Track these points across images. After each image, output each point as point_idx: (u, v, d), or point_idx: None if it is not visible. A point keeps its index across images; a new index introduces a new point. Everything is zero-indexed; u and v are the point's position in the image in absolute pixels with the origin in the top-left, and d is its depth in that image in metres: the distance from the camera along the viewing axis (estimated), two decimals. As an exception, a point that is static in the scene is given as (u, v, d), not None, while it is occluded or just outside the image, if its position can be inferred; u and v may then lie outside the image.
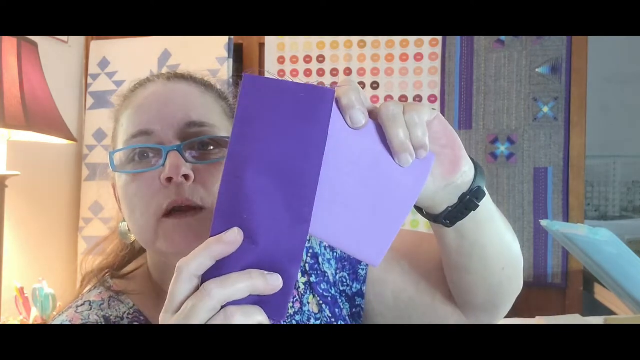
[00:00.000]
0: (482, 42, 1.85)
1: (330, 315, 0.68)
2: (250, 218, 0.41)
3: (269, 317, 0.42)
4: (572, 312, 1.71)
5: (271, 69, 1.98)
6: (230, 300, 0.40)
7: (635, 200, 2.52)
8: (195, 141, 0.59)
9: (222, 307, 0.40)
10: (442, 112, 1.87)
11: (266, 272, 0.41)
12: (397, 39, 1.89)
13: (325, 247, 0.71)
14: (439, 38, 1.87)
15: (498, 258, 0.58)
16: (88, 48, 2.06)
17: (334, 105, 0.43)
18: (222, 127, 0.62)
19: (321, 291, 0.69)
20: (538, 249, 1.83)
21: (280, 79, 0.42)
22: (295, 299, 0.68)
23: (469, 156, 0.51)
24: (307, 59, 1.96)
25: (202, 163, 0.59)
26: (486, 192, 0.52)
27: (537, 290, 1.81)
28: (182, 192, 0.57)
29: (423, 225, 1.84)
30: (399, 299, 0.67)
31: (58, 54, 1.95)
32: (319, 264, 0.70)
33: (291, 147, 0.41)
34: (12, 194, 1.49)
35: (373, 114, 0.46)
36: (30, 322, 1.56)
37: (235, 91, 0.69)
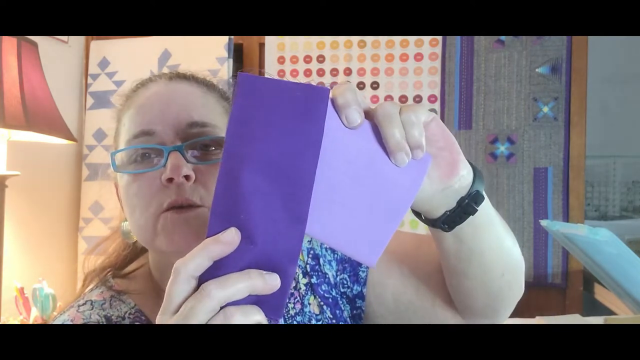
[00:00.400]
0: (482, 42, 1.85)
1: (331, 316, 0.68)
2: (247, 218, 0.41)
3: (266, 316, 0.42)
4: (572, 312, 1.71)
5: (271, 69, 1.98)
6: (230, 300, 0.40)
7: (635, 200, 2.52)
8: (196, 141, 0.60)
9: (221, 308, 0.40)
10: (442, 112, 1.87)
11: (264, 272, 0.41)
12: (397, 39, 1.89)
13: (326, 248, 0.71)
14: (439, 38, 1.87)
15: (497, 263, 0.58)
16: (88, 48, 2.06)
17: (330, 104, 0.43)
18: (224, 128, 0.62)
19: (322, 292, 0.69)
20: (538, 249, 1.83)
21: (275, 78, 0.42)
22: (296, 299, 0.68)
23: (468, 160, 0.51)
24: (307, 59, 1.96)
25: (203, 163, 0.59)
26: (485, 196, 0.52)
27: (537, 290, 1.81)
28: (183, 192, 0.57)
29: (423, 225, 1.84)
30: (399, 301, 0.67)
31: (58, 54, 1.95)
32: (319, 265, 0.70)
33: (287, 147, 0.41)
34: (12, 194, 1.49)
35: (370, 114, 0.46)
36: (30, 322, 1.56)
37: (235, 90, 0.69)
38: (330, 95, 0.44)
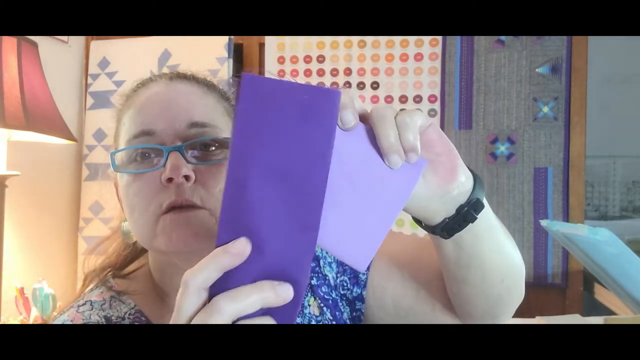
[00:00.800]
0: (482, 42, 1.86)
1: (331, 318, 0.68)
2: (256, 227, 0.39)
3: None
4: (572, 312, 1.71)
5: (271, 69, 1.98)
6: (242, 315, 0.39)
7: (635, 200, 2.52)
8: (196, 142, 0.59)
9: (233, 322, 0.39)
10: (442, 112, 1.87)
11: (276, 283, 0.40)
12: (397, 39, 1.89)
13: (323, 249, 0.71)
14: (439, 38, 1.87)
15: (497, 270, 0.57)
16: (88, 48, 2.06)
17: None
18: (224, 128, 0.62)
19: (322, 294, 0.69)
20: (538, 249, 1.83)
21: (281, 79, 0.41)
22: None
23: (468, 167, 0.50)
24: (307, 59, 1.96)
25: (204, 164, 0.59)
26: (485, 204, 0.51)
27: (537, 290, 1.81)
28: (182, 192, 0.57)
29: (423, 225, 1.84)
30: (399, 306, 0.67)
31: (58, 54, 1.95)
32: (320, 267, 0.70)
33: (296, 152, 0.39)
34: (12, 194, 1.49)
35: (365, 117, 0.45)
36: (30, 322, 1.56)
37: (235, 90, 0.69)
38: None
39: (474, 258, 0.55)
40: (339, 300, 0.70)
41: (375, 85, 1.91)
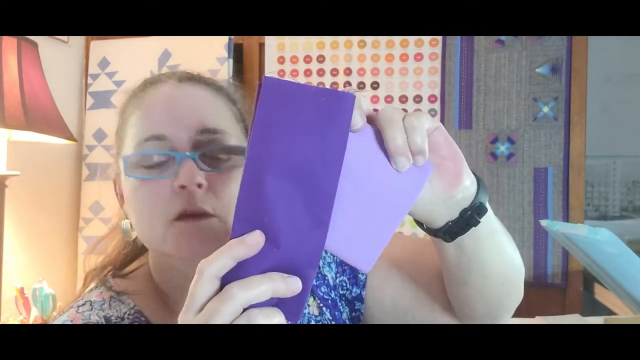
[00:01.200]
0: (482, 42, 1.85)
1: (330, 318, 0.69)
2: (270, 221, 0.41)
3: (285, 318, 0.42)
4: (572, 312, 1.71)
5: (271, 69, 1.98)
6: (253, 303, 0.40)
7: (635, 200, 2.52)
8: (210, 150, 0.59)
9: (244, 309, 0.41)
10: (442, 112, 1.87)
11: (286, 275, 0.41)
12: (397, 39, 1.89)
13: (325, 250, 0.71)
14: (439, 38, 1.87)
15: (498, 273, 0.57)
16: (88, 48, 2.06)
17: None
18: (233, 133, 0.62)
19: (321, 294, 0.69)
20: (538, 249, 1.83)
21: (299, 82, 0.42)
22: None
23: (472, 172, 0.50)
24: (307, 59, 1.96)
25: (215, 171, 0.59)
26: (489, 208, 0.51)
27: (537, 290, 1.81)
28: (194, 199, 0.57)
29: (423, 225, 1.84)
30: (398, 306, 0.67)
31: (58, 54, 1.95)
32: (319, 267, 0.70)
33: (310, 152, 0.41)
34: (12, 194, 1.49)
35: (372, 119, 0.45)
36: (30, 322, 1.56)
37: (240, 93, 0.68)
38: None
39: (475, 261, 0.55)
40: (338, 301, 0.70)
41: (375, 85, 1.91)
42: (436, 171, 0.47)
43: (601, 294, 1.71)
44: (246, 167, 0.41)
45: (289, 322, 0.43)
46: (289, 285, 0.41)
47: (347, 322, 0.70)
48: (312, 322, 0.68)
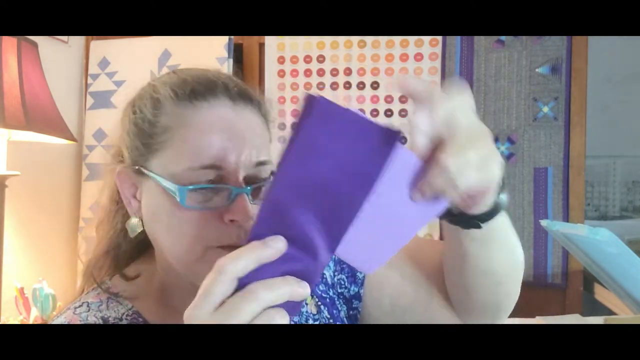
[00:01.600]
0: (482, 42, 1.85)
1: (328, 316, 0.69)
2: (289, 230, 0.43)
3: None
4: (572, 312, 1.71)
5: (271, 69, 1.98)
6: (273, 304, 0.42)
7: (635, 200, 2.52)
8: (262, 184, 0.59)
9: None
10: (442, 112, 1.87)
11: (298, 280, 0.43)
12: (397, 39, 1.89)
13: None
14: (439, 38, 1.87)
15: (501, 276, 0.58)
16: (88, 48, 2.06)
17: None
18: (272, 160, 0.61)
19: (319, 292, 0.69)
20: (538, 249, 1.83)
21: (347, 108, 0.41)
22: None
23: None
24: (307, 59, 1.95)
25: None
26: (502, 214, 0.51)
27: (537, 290, 1.81)
28: (241, 232, 0.56)
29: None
30: (396, 305, 0.67)
31: (58, 54, 1.95)
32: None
33: (344, 176, 0.42)
34: (12, 194, 1.49)
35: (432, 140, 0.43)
36: (30, 322, 1.56)
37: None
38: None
39: (479, 267, 0.56)
40: (336, 299, 0.70)
41: (375, 85, 1.91)
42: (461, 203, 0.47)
43: (601, 294, 1.71)
44: (279, 175, 0.42)
45: (291, 321, 0.44)
46: (304, 290, 0.43)
47: (345, 320, 0.70)
48: (310, 321, 0.68)
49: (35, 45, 1.47)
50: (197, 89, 0.60)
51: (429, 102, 0.43)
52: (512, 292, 0.62)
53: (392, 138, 0.41)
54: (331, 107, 0.41)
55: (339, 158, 0.41)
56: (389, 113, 1.89)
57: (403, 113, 1.88)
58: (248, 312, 0.40)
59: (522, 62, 1.83)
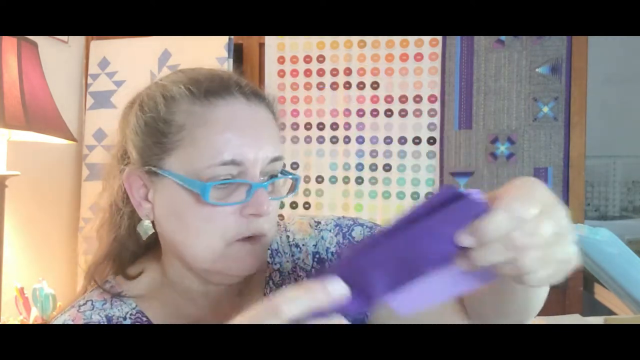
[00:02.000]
0: (482, 42, 1.85)
1: None
2: (358, 283, 0.44)
3: None
4: (572, 312, 1.71)
5: (271, 69, 1.98)
6: (298, 318, 0.41)
7: (635, 200, 2.52)
8: (277, 179, 0.62)
9: None
10: (442, 112, 1.86)
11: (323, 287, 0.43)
12: (397, 39, 1.89)
13: (332, 252, 0.71)
14: (439, 38, 1.87)
15: (536, 308, 0.60)
16: (88, 48, 2.06)
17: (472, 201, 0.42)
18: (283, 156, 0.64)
19: None
20: (538, 249, 1.83)
21: (478, 199, 0.41)
22: None
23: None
24: (307, 59, 1.95)
25: (278, 199, 0.63)
26: None
27: (537, 290, 1.81)
28: (259, 225, 0.59)
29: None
30: None
31: (58, 54, 1.95)
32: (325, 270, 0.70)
33: (428, 247, 0.42)
34: (12, 194, 1.49)
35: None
36: (30, 322, 1.56)
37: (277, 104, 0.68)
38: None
39: (531, 293, 0.57)
40: None
41: (375, 85, 1.91)
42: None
43: (601, 294, 1.71)
44: (383, 237, 0.43)
45: None
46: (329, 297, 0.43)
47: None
48: None
49: (35, 45, 1.47)
50: (211, 86, 0.60)
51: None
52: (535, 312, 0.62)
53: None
54: (455, 196, 0.42)
55: (435, 232, 0.42)
56: (389, 113, 1.89)
57: (403, 113, 1.88)
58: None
59: (522, 62, 1.83)
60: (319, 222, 0.73)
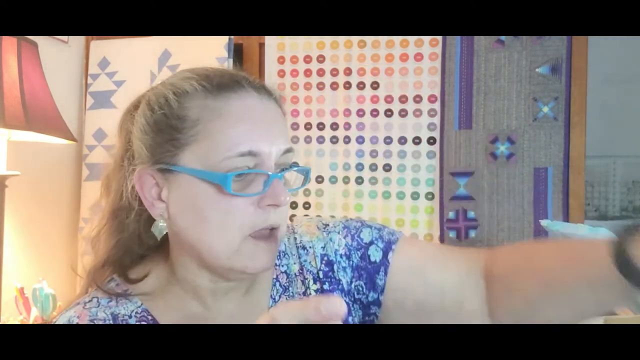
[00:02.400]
0: (482, 42, 1.85)
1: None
2: None
3: None
4: (572, 312, 1.70)
5: (271, 69, 1.98)
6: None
7: (635, 200, 2.52)
8: (292, 170, 0.63)
9: None
10: (442, 112, 1.86)
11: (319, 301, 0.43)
12: (397, 39, 1.89)
13: (340, 255, 0.70)
14: (439, 38, 1.87)
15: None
16: (88, 48, 2.06)
17: None
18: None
19: None
20: (538, 249, 1.82)
21: None
22: None
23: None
24: (307, 59, 1.95)
25: (293, 190, 0.64)
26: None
27: (537, 290, 1.81)
28: (275, 216, 0.61)
29: (423, 224, 1.84)
30: (421, 310, 0.67)
31: (58, 54, 1.95)
32: (333, 272, 0.69)
33: None
34: (12, 194, 1.49)
35: None
36: (30, 322, 1.56)
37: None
38: None
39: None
40: (351, 305, 0.69)
41: (375, 85, 1.91)
42: None
43: (601, 294, 1.71)
44: None
45: None
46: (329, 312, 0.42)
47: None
48: None
49: (35, 45, 1.47)
50: (222, 81, 0.61)
51: None
52: None
53: None
54: None
55: None
56: (389, 113, 1.89)
57: (403, 113, 1.88)
58: None
59: (522, 62, 1.83)
60: (327, 224, 0.73)
